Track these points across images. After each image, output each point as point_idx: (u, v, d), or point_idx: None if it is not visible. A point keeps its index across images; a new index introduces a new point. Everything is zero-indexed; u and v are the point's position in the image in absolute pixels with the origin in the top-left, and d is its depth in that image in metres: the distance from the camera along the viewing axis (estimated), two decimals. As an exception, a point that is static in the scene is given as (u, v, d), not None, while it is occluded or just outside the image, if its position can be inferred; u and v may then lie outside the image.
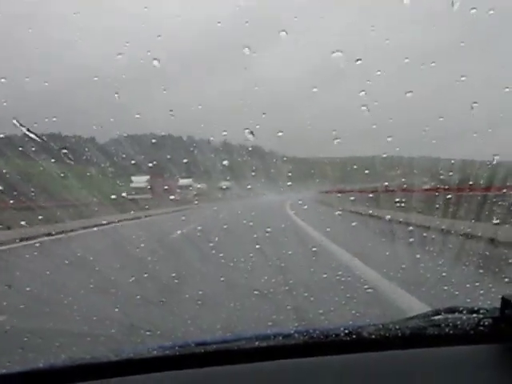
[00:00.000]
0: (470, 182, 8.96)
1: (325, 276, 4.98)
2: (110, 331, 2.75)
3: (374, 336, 1.47)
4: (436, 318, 1.59)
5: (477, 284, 4.10)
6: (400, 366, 1.37)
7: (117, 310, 3.55)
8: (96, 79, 4.84)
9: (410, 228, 7.54)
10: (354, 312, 2.75)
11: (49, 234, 7.01)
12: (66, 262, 5.65)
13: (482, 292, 3.42)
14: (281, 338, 1.51)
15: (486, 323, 1.46)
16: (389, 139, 4.59)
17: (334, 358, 1.41)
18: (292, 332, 1.54)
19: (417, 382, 1.30)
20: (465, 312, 1.58)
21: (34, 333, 2.47)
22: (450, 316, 1.59)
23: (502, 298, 1.41)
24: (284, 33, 3.78)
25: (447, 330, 1.48)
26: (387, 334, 1.47)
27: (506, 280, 4.46)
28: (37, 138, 4.23)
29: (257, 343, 1.48)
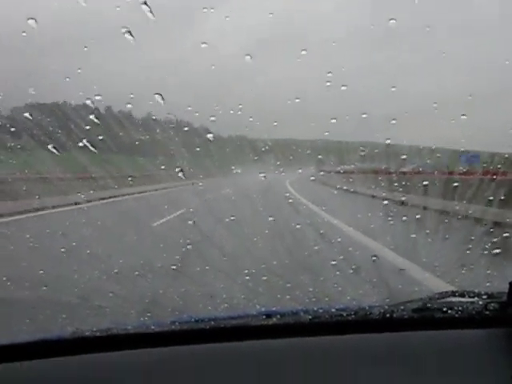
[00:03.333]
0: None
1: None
2: (116, 304, 2.77)
3: (379, 317, 1.47)
4: (442, 300, 1.59)
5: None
6: (404, 348, 1.37)
7: (122, 283, 3.57)
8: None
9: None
10: (360, 292, 2.76)
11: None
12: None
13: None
14: (286, 316, 1.51)
15: (492, 308, 1.46)
16: (333, 121, 4.56)
17: (339, 338, 1.41)
18: (298, 311, 1.55)
19: (421, 363, 1.30)
20: (471, 296, 1.57)
21: (41, 304, 2.49)
22: (456, 299, 1.58)
23: (510, 284, 1.40)
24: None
25: (453, 313, 1.47)
26: (393, 316, 1.47)
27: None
28: None
29: (263, 321, 1.48)
